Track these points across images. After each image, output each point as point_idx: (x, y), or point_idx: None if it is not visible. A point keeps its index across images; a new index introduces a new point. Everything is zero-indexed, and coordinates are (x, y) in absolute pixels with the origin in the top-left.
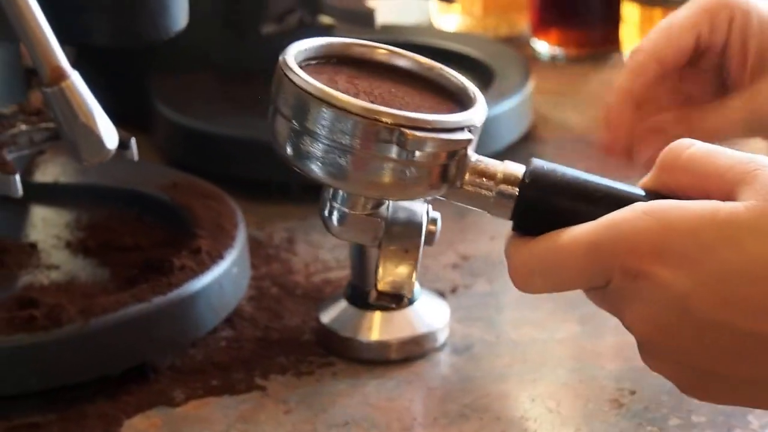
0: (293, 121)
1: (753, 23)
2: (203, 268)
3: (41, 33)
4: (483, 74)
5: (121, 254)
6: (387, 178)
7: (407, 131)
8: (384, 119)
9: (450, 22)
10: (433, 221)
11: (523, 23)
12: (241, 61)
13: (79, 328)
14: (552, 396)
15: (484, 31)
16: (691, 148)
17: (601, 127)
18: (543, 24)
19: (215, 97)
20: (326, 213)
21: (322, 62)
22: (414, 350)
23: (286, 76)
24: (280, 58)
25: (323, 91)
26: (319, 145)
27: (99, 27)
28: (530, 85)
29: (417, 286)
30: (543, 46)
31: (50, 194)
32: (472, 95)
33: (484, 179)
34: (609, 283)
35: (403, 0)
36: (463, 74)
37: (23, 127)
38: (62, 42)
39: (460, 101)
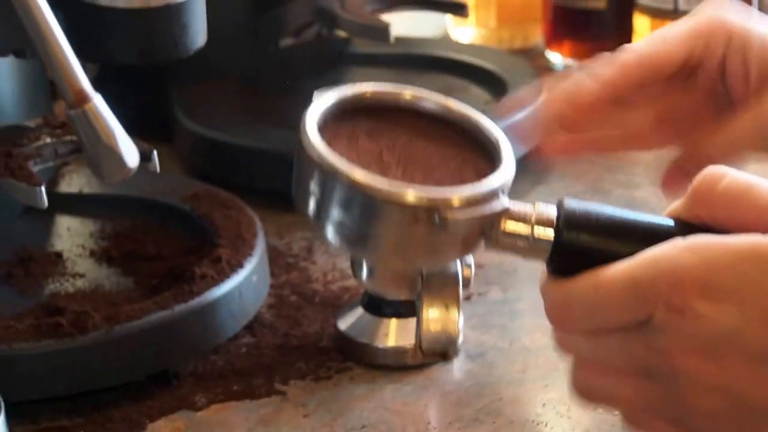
0: (315, 192)
1: (753, 43)
2: (224, 276)
3: (65, 57)
4: (496, 86)
5: (144, 263)
6: (417, 251)
7: (443, 211)
8: (413, 200)
9: (465, 34)
10: (468, 265)
11: (537, 35)
12: (260, 74)
13: (104, 335)
14: (563, 401)
15: (498, 43)
16: (725, 178)
17: (554, 98)
18: (556, 36)
19: (235, 108)
20: (355, 266)
21: (341, 115)
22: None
23: (307, 150)
24: (301, 122)
25: (345, 170)
26: (342, 220)
27: (120, 46)
28: (543, 97)
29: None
30: (557, 58)
31: (75, 204)
32: (496, 141)
33: (517, 229)
34: (650, 319)
35: (418, 13)
36: (476, 86)
37: (48, 139)
38: (85, 60)
39: (485, 147)
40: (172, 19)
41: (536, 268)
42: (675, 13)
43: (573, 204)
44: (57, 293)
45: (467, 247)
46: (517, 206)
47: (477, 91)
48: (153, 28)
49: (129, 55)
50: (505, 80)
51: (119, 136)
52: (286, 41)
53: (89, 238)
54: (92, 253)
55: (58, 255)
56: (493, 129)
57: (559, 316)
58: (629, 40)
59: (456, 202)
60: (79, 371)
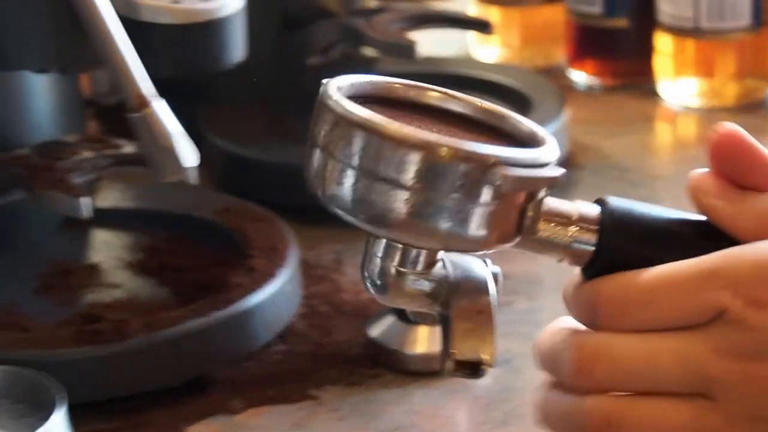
0: (334, 156)
1: None
2: (258, 285)
3: (127, 64)
4: (521, 104)
5: (179, 274)
6: (453, 225)
7: (498, 168)
8: (466, 153)
9: (488, 53)
10: (495, 275)
11: (559, 54)
12: (286, 92)
13: (142, 341)
14: None
15: (521, 62)
16: None
17: None
18: (579, 55)
19: (263, 126)
20: (367, 273)
21: (362, 102)
22: None
23: (327, 103)
24: (321, 88)
25: (374, 120)
26: (366, 184)
27: (161, 60)
28: (566, 114)
29: None
30: (580, 77)
31: (109, 219)
32: (536, 136)
33: (558, 225)
34: (722, 315)
35: (441, 34)
36: (501, 104)
37: (87, 154)
38: None
39: (522, 141)
40: (212, 34)
41: (561, 279)
42: (696, 32)
43: (616, 203)
44: (94, 303)
45: (506, 231)
46: (557, 202)
47: None
48: (193, 42)
49: (168, 69)
50: (528, 98)
51: (177, 138)
52: (313, 60)
53: (124, 250)
54: (128, 265)
55: (94, 267)
56: (535, 127)
57: (612, 312)
58: (651, 59)
59: (511, 161)
60: (118, 377)
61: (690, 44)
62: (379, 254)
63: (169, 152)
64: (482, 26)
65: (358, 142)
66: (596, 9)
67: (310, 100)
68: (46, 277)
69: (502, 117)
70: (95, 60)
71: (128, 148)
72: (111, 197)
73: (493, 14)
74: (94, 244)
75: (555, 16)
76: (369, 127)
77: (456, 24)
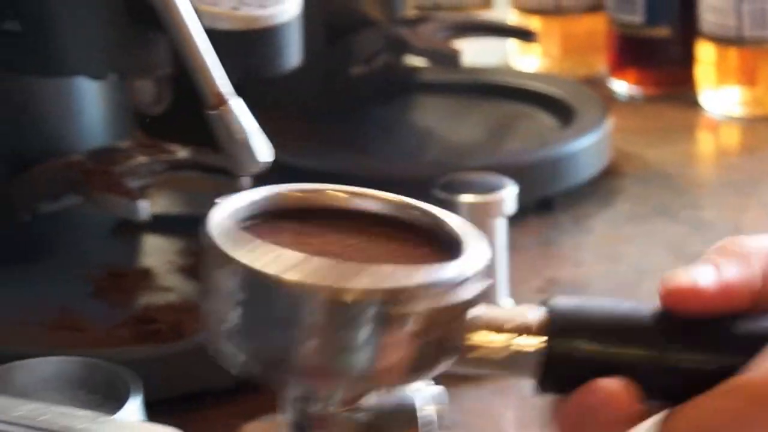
0: (218, 293)
1: None
2: None
3: (207, 63)
4: (563, 113)
5: None
6: (366, 365)
7: (411, 301)
8: (348, 292)
9: (529, 63)
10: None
11: (600, 64)
12: (329, 102)
13: (199, 341)
14: None
15: (562, 71)
16: None
17: None
18: (621, 65)
19: (306, 134)
20: (289, 418)
21: (262, 219)
22: None
23: (208, 232)
24: (206, 221)
25: (256, 259)
26: (255, 327)
27: (221, 65)
28: (609, 123)
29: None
30: (621, 86)
31: (159, 224)
32: (460, 237)
33: (492, 339)
34: None
35: (481, 43)
36: (543, 113)
37: (142, 159)
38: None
39: (445, 242)
40: (270, 40)
41: (609, 284)
42: (738, 41)
43: (561, 305)
44: (149, 306)
45: (426, 359)
46: (491, 311)
47: (544, 117)
48: (252, 48)
49: (227, 74)
50: (571, 107)
51: (253, 134)
52: (356, 69)
53: (176, 255)
54: (180, 269)
55: (147, 271)
56: (457, 224)
57: None
58: (692, 68)
59: (427, 285)
60: (175, 376)
61: (732, 53)
62: (296, 393)
63: (245, 147)
64: (526, 35)
65: (239, 281)
66: (638, 18)
67: (353, 108)
68: (100, 281)
69: (414, 214)
70: (152, 66)
71: (182, 153)
72: (160, 203)
73: (533, 24)
74: (146, 249)
75: (596, 25)
76: (250, 269)
77: (500, 33)
